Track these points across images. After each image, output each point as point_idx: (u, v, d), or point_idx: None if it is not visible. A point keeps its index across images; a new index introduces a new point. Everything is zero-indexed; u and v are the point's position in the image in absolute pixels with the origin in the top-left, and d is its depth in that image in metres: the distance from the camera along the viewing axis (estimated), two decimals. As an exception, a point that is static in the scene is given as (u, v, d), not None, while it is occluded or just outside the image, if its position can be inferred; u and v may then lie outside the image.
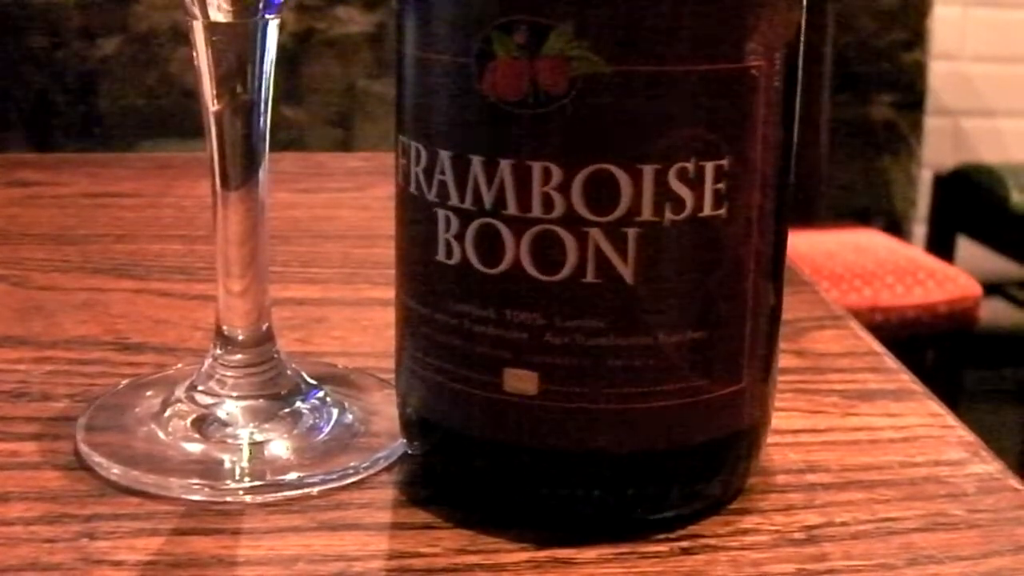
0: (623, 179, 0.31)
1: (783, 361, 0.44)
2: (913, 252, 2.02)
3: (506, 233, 0.31)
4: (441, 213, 0.32)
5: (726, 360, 0.33)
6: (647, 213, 0.31)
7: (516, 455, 0.33)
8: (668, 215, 0.31)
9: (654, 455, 0.33)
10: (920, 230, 2.48)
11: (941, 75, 2.48)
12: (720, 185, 0.31)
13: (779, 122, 0.33)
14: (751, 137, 0.32)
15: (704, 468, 0.34)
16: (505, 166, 0.31)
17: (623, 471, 0.33)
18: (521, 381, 0.32)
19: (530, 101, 0.31)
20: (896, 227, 2.43)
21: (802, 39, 0.33)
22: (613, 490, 0.33)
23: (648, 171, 0.31)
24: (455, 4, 0.31)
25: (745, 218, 0.32)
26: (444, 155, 0.32)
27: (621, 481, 0.33)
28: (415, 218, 0.33)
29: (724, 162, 0.31)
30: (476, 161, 0.31)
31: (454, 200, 0.32)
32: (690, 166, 0.31)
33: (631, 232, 0.31)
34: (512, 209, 0.31)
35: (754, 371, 0.34)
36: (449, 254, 0.32)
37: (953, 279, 1.85)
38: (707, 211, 0.31)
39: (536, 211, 0.31)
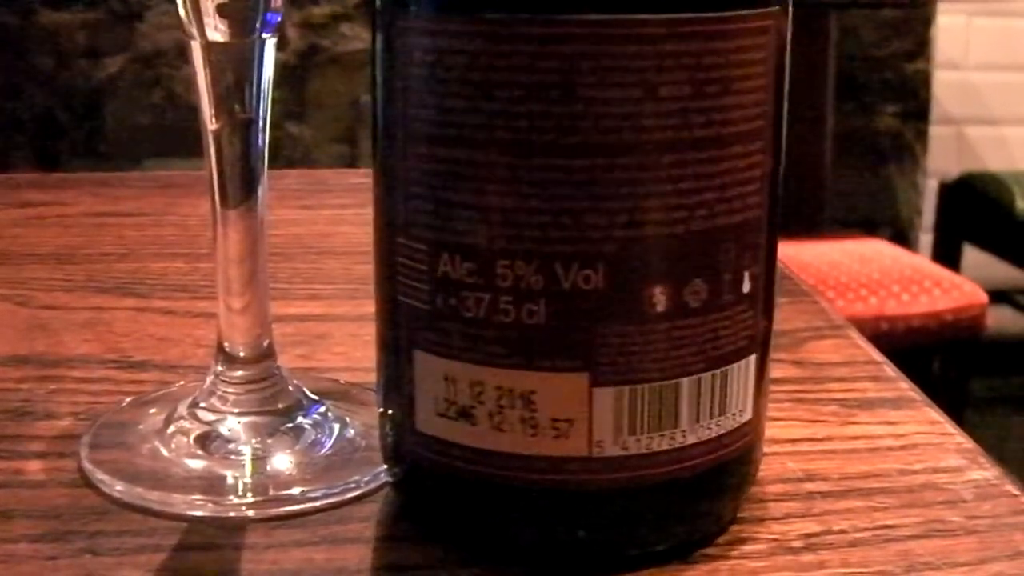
0: None
1: (782, 371, 0.44)
2: (919, 261, 2.02)
3: None
4: None
5: None
6: None
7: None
8: None
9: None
10: (926, 239, 2.48)
11: (945, 84, 2.49)
12: None
13: None
14: None
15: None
16: None
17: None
18: None
19: None
20: (902, 236, 2.43)
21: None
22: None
23: None
24: None
25: None
26: None
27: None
28: None
29: None
30: None
31: None
32: None
33: None
34: None
35: None
36: None
37: (959, 287, 1.85)
38: None
39: None
